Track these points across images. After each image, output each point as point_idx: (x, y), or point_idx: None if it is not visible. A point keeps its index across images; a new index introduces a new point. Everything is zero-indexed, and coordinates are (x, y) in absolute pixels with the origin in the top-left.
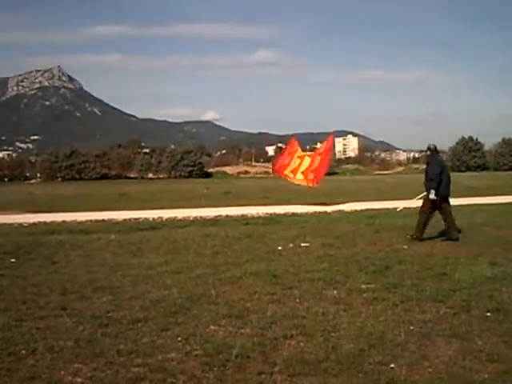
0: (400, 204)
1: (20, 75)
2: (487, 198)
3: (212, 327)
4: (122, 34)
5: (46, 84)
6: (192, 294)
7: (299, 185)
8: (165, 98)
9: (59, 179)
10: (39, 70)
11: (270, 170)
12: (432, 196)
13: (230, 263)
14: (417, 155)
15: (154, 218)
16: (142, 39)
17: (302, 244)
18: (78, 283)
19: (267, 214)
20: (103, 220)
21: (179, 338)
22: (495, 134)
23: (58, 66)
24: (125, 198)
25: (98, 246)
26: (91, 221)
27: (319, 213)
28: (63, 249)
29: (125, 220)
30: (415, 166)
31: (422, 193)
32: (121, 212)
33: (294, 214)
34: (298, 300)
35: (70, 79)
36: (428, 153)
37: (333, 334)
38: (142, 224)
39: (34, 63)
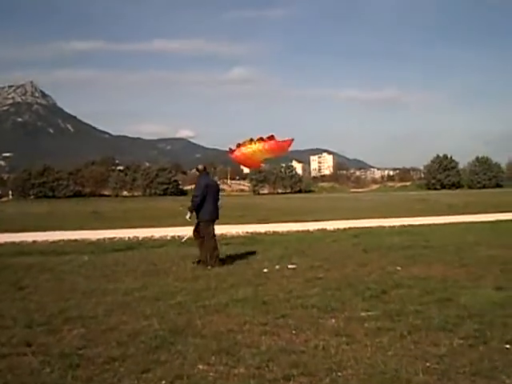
0: (392, 222)
1: None
2: (470, 215)
3: (200, 366)
4: (96, 49)
5: (19, 100)
6: (175, 326)
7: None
8: (139, 114)
9: (32, 197)
10: (12, 86)
11: (245, 187)
12: (187, 217)
13: (213, 288)
14: (391, 173)
15: (129, 238)
16: (116, 54)
17: (289, 266)
18: (46, 313)
19: (247, 232)
20: (76, 240)
21: (163, 382)
22: (469, 152)
23: (31, 82)
24: (99, 216)
25: (70, 269)
26: (63, 240)
27: (301, 231)
28: (32, 272)
29: (99, 240)
30: (390, 183)
31: None
32: (95, 231)
33: (275, 233)
34: (293, 331)
35: (43, 95)
36: (197, 173)
37: (339, 374)
38: (117, 244)
39: (6, 79)
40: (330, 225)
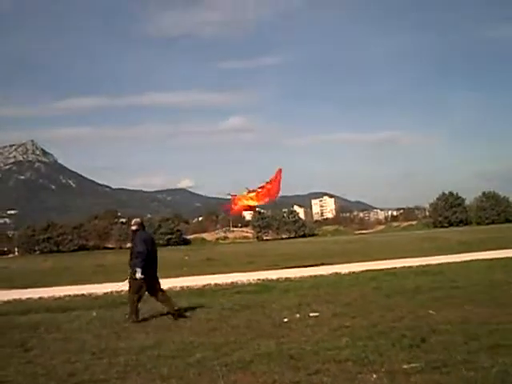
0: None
1: None
2: (486, 252)
3: None
4: (95, 105)
5: (20, 158)
6: None
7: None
8: (137, 167)
9: (37, 252)
10: (13, 145)
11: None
12: (138, 275)
13: (232, 342)
14: (395, 213)
15: None
16: (114, 109)
17: (311, 314)
18: (54, 377)
19: (258, 280)
20: (83, 294)
21: None
22: (472, 189)
23: (32, 141)
24: (104, 269)
25: (78, 326)
26: (70, 296)
27: (314, 276)
28: (39, 332)
29: (106, 293)
30: (395, 223)
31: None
32: (101, 285)
33: (287, 279)
34: None
35: (44, 153)
36: (134, 228)
37: None
38: (125, 297)
39: (6, 138)
40: (343, 268)
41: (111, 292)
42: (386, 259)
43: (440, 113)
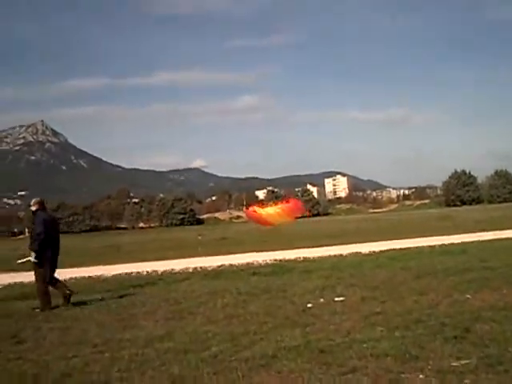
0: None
1: (3, 131)
2: (507, 231)
3: None
4: (103, 85)
5: (31, 139)
6: None
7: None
8: (150, 147)
9: None
10: (23, 126)
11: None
12: (33, 259)
13: (252, 332)
14: (407, 192)
15: (148, 272)
16: (122, 89)
17: (336, 298)
18: (45, 378)
19: (275, 260)
20: (90, 277)
21: None
22: (484, 168)
23: (42, 121)
24: (115, 249)
25: (80, 313)
26: (75, 278)
27: (334, 256)
28: (36, 320)
29: (114, 276)
30: (408, 202)
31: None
32: (110, 266)
33: (305, 260)
34: None
35: (54, 133)
36: (33, 208)
37: None
38: (135, 279)
39: (17, 119)
40: (362, 248)
41: (120, 274)
42: (404, 238)
43: (452, 90)
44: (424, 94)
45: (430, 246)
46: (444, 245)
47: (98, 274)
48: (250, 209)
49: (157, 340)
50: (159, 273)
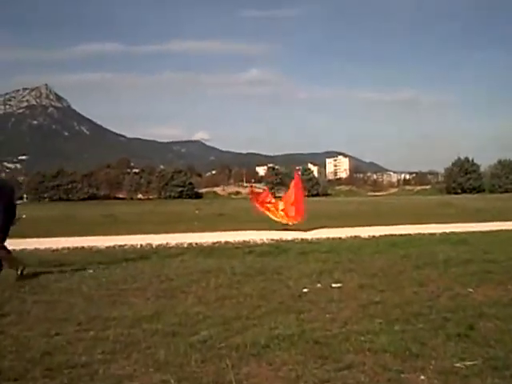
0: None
1: (7, 94)
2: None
3: None
4: (111, 51)
5: (34, 103)
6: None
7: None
8: (153, 117)
9: (46, 200)
10: (26, 89)
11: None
12: None
13: (244, 317)
14: (408, 177)
15: (142, 245)
16: (130, 57)
17: (333, 284)
18: (24, 356)
19: (272, 240)
20: (83, 247)
21: None
22: (489, 155)
23: (46, 85)
24: (112, 219)
25: (69, 286)
26: (68, 248)
27: (332, 239)
28: (22, 292)
29: (108, 247)
30: (408, 187)
31: None
32: (105, 237)
33: (303, 240)
34: None
35: (58, 98)
36: None
37: None
38: (129, 252)
39: (20, 81)
40: (362, 231)
41: (114, 246)
42: (404, 224)
43: (463, 73)
44: (434, 76)
45: (430, 234)
46: (445, 233)
47: (92, 244)
48: (259, 198)
49: (145, 320)
50: (153, 246)
